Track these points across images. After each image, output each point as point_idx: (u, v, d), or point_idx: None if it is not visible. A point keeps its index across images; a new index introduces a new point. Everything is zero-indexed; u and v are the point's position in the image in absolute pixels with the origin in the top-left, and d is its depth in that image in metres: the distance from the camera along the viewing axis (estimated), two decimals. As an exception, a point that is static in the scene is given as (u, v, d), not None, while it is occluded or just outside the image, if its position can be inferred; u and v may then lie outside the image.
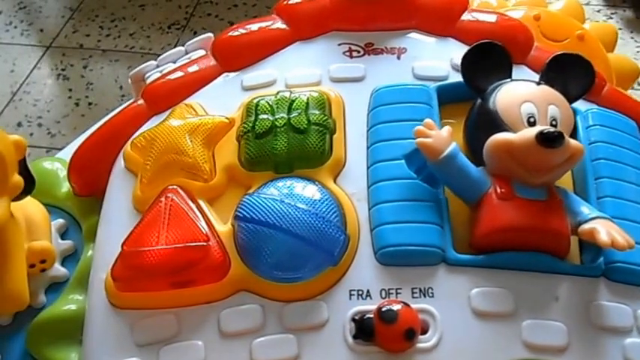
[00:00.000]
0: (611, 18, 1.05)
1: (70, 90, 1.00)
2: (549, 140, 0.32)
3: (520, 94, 0.36)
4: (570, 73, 0.37)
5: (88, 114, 0.95)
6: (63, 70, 1.03)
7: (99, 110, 0.94)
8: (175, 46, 1.03)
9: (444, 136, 0.34)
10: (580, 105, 0.40)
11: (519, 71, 0.41)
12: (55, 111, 0.96)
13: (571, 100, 0.37)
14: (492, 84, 0.37)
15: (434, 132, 0.34)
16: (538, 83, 0.37)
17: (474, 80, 0.37)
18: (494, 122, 0.35)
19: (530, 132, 0.33)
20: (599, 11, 1.07)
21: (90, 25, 1.11)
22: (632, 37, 1.02)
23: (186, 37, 1.06)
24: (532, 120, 0.35)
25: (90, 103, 0.97)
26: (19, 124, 0.95)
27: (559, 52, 0.38)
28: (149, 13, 1.12)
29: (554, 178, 0.35)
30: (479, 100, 0.37)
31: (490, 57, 0.37)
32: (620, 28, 1.02)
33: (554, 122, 0.35)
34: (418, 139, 0.34)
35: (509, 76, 0.38)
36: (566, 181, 0.37)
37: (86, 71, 1.03)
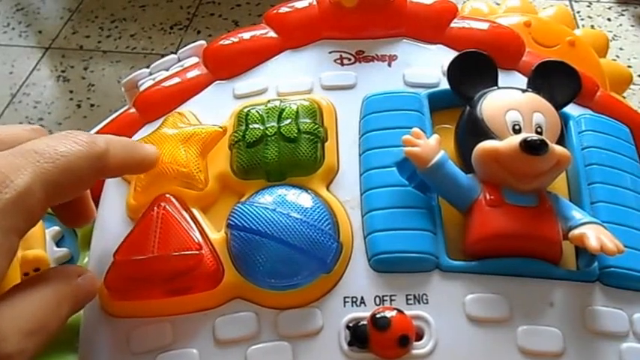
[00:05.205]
0: (623, 15, 1.04)
1: (71, 92, 0.99)
2: (533, 148, 0.32)
3: (505, 102, 0.36)
4: (556, 80, 0.37)
5: (91, 115, 0.94)
6: (63, 71, 1.03)
7: (102, 112, 0.93)
8: (179, 47, 1.03)
9: (432, 145, 0.34)
10: (573, 110, 0.39)
11: (511, 77, 0.41)
12: (57, 112, 0.96)
13: (558, 107, 0.37)
14: (479, 91, 0.37)
15: (421, 141, 0.34)
16: (524, 90, 0.37)
17: (460, 88, 0.37)
18: (481, 130, 0.35)
19: (515, 140, 0.33)
20: (610, 8, 1.06)
21: (89, 27, 1.10)
22: (644, 35, 1.01)
23: (189, 37, 1.06)
24: (517, 127, 0.35)
25: (92, 105, 0.97)
26: (21, 125, 0.94)
27: (544, 60, 0.38)
28: (150, 14, 1.12)
29: (544, 185, 0.34)
30: (467, 108, 0.37)
31: (476, 65, 0.37)
32: (632, 25, 1.02)
33: (539, 129, 0.35)
34: (406, 148, 0.34)
35: (496, 84, 0.37)
36: (561, 187, 0.37)
37: (87, 72, 1.02)
